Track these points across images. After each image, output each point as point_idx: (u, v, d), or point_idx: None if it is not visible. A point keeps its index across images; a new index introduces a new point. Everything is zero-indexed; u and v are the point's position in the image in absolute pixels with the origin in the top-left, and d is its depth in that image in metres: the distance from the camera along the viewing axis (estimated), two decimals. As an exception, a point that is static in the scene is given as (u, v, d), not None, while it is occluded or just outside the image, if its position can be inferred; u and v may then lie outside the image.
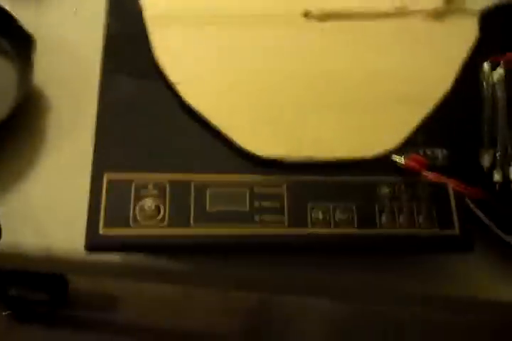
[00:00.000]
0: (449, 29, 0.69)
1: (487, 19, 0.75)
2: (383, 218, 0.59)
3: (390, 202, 0.60)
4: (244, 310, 1.51)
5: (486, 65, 0.76)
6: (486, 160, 0.70)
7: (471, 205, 0.65)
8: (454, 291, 0.68)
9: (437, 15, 0.70)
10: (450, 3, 0.71)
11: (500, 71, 0.75)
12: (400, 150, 0.63)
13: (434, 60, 0.67)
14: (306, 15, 0.69)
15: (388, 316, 1.51)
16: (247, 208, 0.58)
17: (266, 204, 0.58)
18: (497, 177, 0.69)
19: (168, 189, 0.58)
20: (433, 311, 0.81)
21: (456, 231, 0.60)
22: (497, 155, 0.70)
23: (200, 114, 0.60)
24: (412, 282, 0.68)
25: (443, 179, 0.59)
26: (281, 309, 1.52)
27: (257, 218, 0.57)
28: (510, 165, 0.70)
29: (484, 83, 0.75)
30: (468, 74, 0.72)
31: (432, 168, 0.63)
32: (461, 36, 0.69)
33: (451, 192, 0.61)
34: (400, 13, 0.70)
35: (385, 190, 0.60)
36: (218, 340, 1.49)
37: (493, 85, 0.74)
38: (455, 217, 0.61)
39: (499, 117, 0.72)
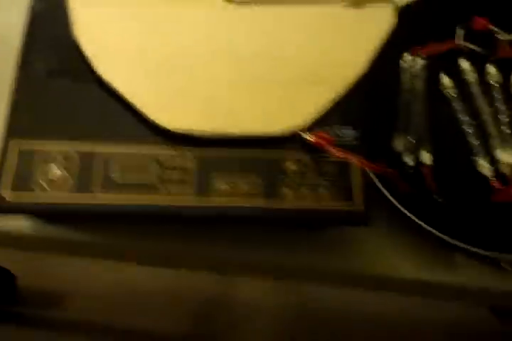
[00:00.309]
0: (366, 17, 0.72)
1: (411, 10, 0.77)
2: (286, 192, 0.60)
3: (295, 177, 0.62)
4: (191, 312, 1.51)
5: (407, 55, 0.77)
6: (399, 145, 0.71)
7: (378, 184, 0.65)
8: (360, 269, 0.69)
9: (357, 3, 0.71)
10: (370, -8, 0.72)
11: (420, 61, 0.76)
12: (310, 128, 0.64)
13: (349, 45, 0.70)
14: (229, 0, 0.70)
15: (337, 316, 1.51)
16: (154, 178, 0.59)
17: (173, 175, 0.60)
18: (408, 161, 0.70)
19: (75, 157, 0.59)
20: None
21: (355, 206, 0.61)
22: (410, 140, 0.71)
23: (112, 87, 0.62)
24: (313, 257, 0.69)
25: (346, 155, 0.60)
26: (228, 312, 1.52)
27: (163, 188, 0.59)
28: (424, 151, 0.71)
29: (404, 72, 0.76)
30: (389, 62, 0.74)
31: (340, 146, 0.64)
32: (377, 24, 0.71)
33: (354, 169, 0.62)
34: (321, 0, 0.71)
35: (291, 165, 0.62)
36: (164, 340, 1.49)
37: (413, 74, 0.76)
38: (356, 193, 0.61)
39: (415, 104, 0.73)
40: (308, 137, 0.62)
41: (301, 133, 0.63)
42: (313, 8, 0.71)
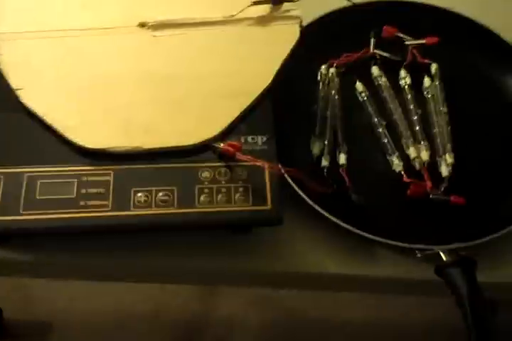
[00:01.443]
0: (272, 33, 0.77)
1: (324, 25, 0.82)
2: (202, 198, 0.64)
3: (209, 184, 0.65)
4: (174, 334, 1.54)
5: (323, 66, 0.82)
6: (315, 148, 0.75)
7: (294, 186, 0.70)
8: (284, 269, 0.72)
9: (262, 22, 0.77)
10: (274, 11, 0.77)
11: (333, 71, 0.81)
12: (222, 138, 0.68)
13: (257, 61, 0.75)
14: (143, 26, 0.75)
15: (316, 329, 1.53)
16: (74, 195, 0.63)
17: (92, 191, 0.64)
18: (325, 162, 0.75)
19: (2, 181, 0.63)
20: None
21: (268, 206, 0.65)
22: (325, 143, 0.75)
23: (37, 115, 0.68)
24: (239, 261, 0.72)
25: (252, 159, 0.65)
26: (210, 329, 1.54)
27: (82, 203, 0.63)
28: (340, 152, 0.75)
29: (321, 82, 0.80)
30: (306, 74, 0.79)
31: (251, 152, 0.68)
32: (283, 39, 0.76)
33: (266, 173, 0.66)
34: (229, 21, 0.76)
35: (205, 174, 0.66)
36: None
37: (328, 83, 0.80)
38: (268, 194, 0.65)
39: (331, 110, 0.78)
40: (219, 146, 0.66)
41: (212, 143, 0.66)
42: (222, 28, 0.76)
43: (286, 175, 0.69)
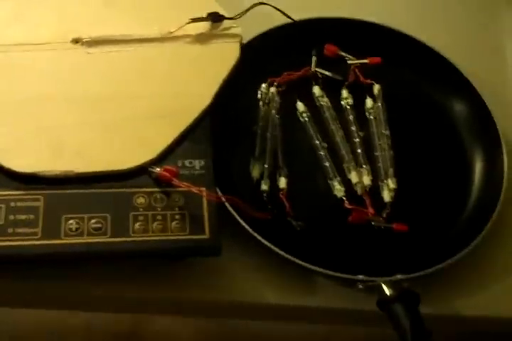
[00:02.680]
0: (211, 52, 0.74)
1: (265, 42, 0.79)
2: (136, 226, 0.61)
3: (144, 211, 0.62)
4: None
5: (263, 85, 0.79)
6: (255, 172, 0.73)
7: (233, 213, 0.67)
8: (223, 298, 0.70)
9: (202, 39, 0.74)
10: (214, 29, 0.74)
11: (273, 90, 0.79)
12: (159, 162, 0.65)
13: (196, 80, 0.72)
14: (76, 42, 0.71)
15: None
16: (2, 221, 0.59)
17: (21, 217, 0.60)
18: (264, 186, 0.72)
19: None
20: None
21: (206, 235, 0.62)
22: (265, 166, 0.73)
23: None
24: (185, 289, 0.69)
25: (190, 187, 0.62)
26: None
27: (10, 231, 0.59)
28: (280, 176, 0.73)
29: (261, 101, 0.78)
30: (245, 93, 0.76)
31: (188, 176, 0.65)
32: (222, 58, 0.73)
33: (204, 200, 0.63)
34: (166, 38, 0.73)
35: (141, 200, 0.63)
36: None
37: (268, 103, 0.78)
38: (206, 223, 0.62)
39: (271, 131, 0.75)
40: (154, 171, 0.63)
41: (148, 167, 0.63)
42: (160, 46, 0.73)
43: (225, 203, 0.66)
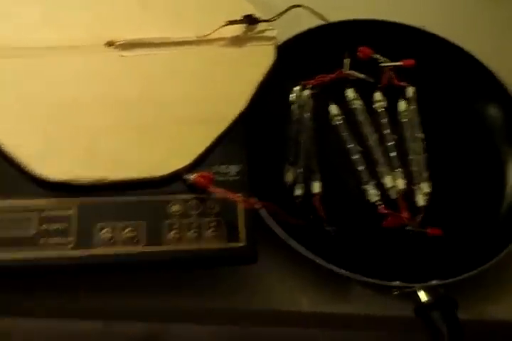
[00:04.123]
0: (247, 55, 0.69)
1: (298, 45, 0.74)
2: (171, 235, 0.56)
3: (180, 219, 0.58)
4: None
5: (296, 88, 0.74)
6: (289, 176, 0.67)
7: (268, 219, 0.61)
8: (258, 304, 0.65)
9: (237, 42, 0.68)
10: (249, 31, 0.69)
11: (307, 93, 0.73)
12: (193, 168, 0.61)
13: (231, 83, 0.67)
14: (110, 45, 0.66)
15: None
16: (34, 232, 0.54)
17: (53, 227, 0.56)
18: (298, 192, 0.67)
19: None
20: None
21: (242, 243, 0.58)
22: (299, 171, 0.67)
23: None
24: (217, 298, 0.64)
25: (227, 194, 0.57)
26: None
27: (42, 241, 0.54)
28: (313, 180, 0.67)
29: (293, 104, 0.72)
30: (278, 96, 0.70)
31: (223, 182, 0.60)
32: (257, 62, 0.69)
33: (240, 206, 0.58)
34: (202, 41, 0.68)
35: (176, 208, 0.58)
36: None
37: (301, 106, 0.72)
38: (242, 231, 0.58)
39: (304, 135, 0.70)
40: (189, 177, 0.57)
41: (183, 174, 0.58)
42: (195, 48, 0.67)
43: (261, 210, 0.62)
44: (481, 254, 0.67)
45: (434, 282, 0.63)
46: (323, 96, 0.76)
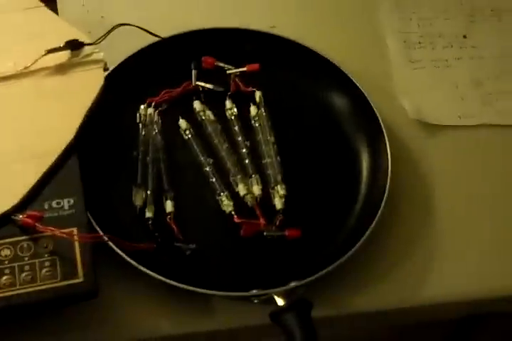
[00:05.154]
0: (73, 82, 0.64)
1: (137, 64, 0.72)
2: (2, 281, 0.51)
3: (10, 264, 0.52)
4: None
5: (142, 106, 0.68)
6: (137, 199, 0.62)
7: (114, 248, 0.57)
8: (119, 337, 0.61)
9: (62, 70, 0.63)
10: (75, 56, 0.64)
11: (151, 110, 0.68)
12: (24, 206, 0.57)
13: (57, 114, 0.62)
14: None
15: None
16: None
17: None
18: (148, 214, 0.62)
19: None
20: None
21: (80, 278, 0.52)
22: (148, 193, 0.62)
23: None
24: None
25: (55, 231, 0.52)
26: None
27: None
28: (166, 199, 0.63)
29: (140, 124, 0.67)
30: (122, 118, 0.66)
31: (58, 219, 0.57)
32: (86, 87, 0.63)
33: (75, 241, 0.52)
34: (23, 73, 0.62)
35: (5, 252, 0.52)
36: None
37: (148, 125, 0.67)
38: (79, 265, 0.53)
39: (151, 153, 0.65)
40: (18, 218, 0.52)
41: (11, 214, 0.53)
42: (16, 82, 0.62)
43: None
44: (337, 250, 0.64)
45: (292, 284, 0.60)
46: (172, 112, 0.70)
